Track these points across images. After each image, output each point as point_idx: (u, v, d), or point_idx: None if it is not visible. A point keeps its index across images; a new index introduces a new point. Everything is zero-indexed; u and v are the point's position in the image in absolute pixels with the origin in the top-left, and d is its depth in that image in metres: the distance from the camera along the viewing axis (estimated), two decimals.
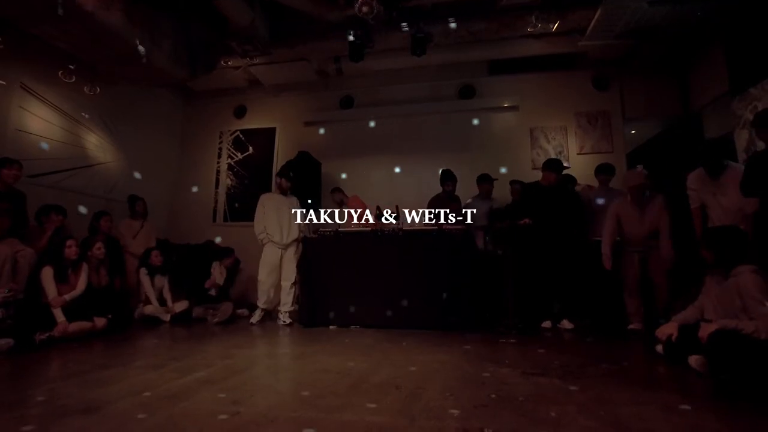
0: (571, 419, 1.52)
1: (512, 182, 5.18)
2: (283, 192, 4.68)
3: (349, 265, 4.13)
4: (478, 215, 4.74)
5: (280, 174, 4.78)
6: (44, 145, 4.74)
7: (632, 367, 2.52)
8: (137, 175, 5.63)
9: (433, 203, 4.87)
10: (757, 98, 3.96)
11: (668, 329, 2.50)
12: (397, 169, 5.98)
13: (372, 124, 6.15)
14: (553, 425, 1.47)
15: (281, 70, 6.05)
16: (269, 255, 4.47)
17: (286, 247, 4.51)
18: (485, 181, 5.00)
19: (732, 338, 2.13)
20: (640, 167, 3.81)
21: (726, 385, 2.02)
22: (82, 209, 4.59)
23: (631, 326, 3.72)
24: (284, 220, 4.53)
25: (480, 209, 4.81)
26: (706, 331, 2.24)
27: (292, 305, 4.43)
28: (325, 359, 2.62)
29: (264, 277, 4.44)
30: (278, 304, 4.50)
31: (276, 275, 4.48)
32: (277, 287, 4.51)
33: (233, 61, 5.69)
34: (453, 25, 4.87)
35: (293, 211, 4.61)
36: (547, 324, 3.89)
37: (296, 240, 4.56)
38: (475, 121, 5.98)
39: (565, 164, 4.54)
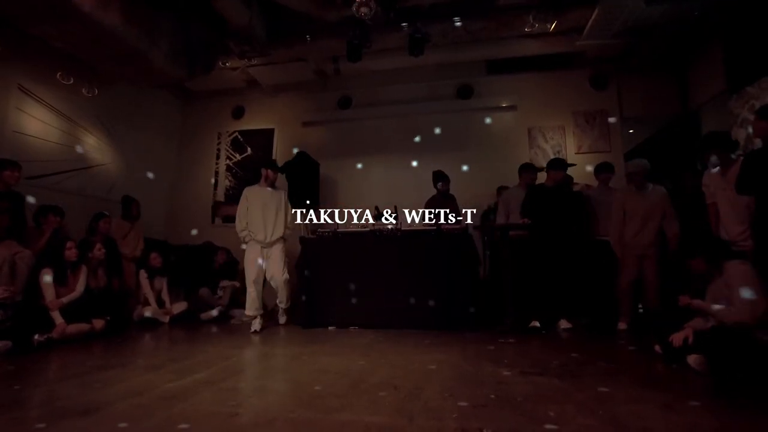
0: (570, 418, 1.52)
1: (500, 188, 5.17)
2: (270, 184, 4.32)
3: (347, 266, 4.13)
4: (517, 205, 4.32)
5: (265, 164, 4.42)
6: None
7: (630, 366, 2.53)
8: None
9: (430, 205, 4.88)
10: (754, 97, 3.96)
11: (684, 334, 2.43)
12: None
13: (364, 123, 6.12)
14: (552, 424, 1.47)
15: (279, 71, 6.05)
16: (252, 255, 4.11)
17: (270, 245, 4.18)
18: (528, 170, 4.59)
19: (729, 335, 2.14)
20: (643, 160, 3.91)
21: (724, 383, 2.02)
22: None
23: (620, 326, 3.79)
24: (269, 216, 4.19)
25: (520, 199, 4.34)
26: (680, 336, 2.36)
27: (287, 302, 4.29)
28: (324, 360, 2.62)
29: (251, 281, 4.06)
30: (274, 302, 4.40)
31: (262, 277, 4.16)
32: (267, 288, 4.28)
33: (231, 62, 5.69)
34: (458, 23, 4.83)
35: (281, 205, 4.29)
36: (535, 324, 3.83)
37: (281, 238, 4.26)
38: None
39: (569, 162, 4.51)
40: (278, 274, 4.17)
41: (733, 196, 3.08)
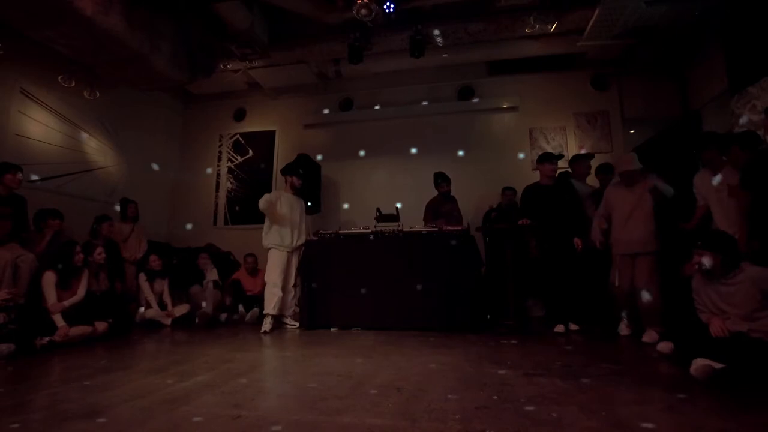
0: (573, 420, 1.52)
1: (505, 189, 5.19)
2: (296, 191, 4.48)
3: (349, 267, 4.13)
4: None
5: (290, 172, 4.51)
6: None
7: (633, 367, 2.51)
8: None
9: (431, 206, 4.87)
10: (755, 97, 3.95)
11: (721, 323, 2.30)
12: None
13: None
14: (554, 426, 1.47)
15: (280, 73, 6.06)
16: (280, 259, 4.20)
17: (293, 250, 4.33)
18: (583, 159, 4.30)
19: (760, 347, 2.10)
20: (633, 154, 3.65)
21: (729, 384, 2.01)
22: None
23: (621, 332, 3.55)
24: (295, 222, 4.34)
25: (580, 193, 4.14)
26: (719, 325, 2.24)
27: (293, 308, 4.39)
28: (326, 361, 2.62)
29: (276, 282, 4.14)
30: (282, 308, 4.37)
31: (283, 279, 4.25)
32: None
33: (232, 65, 5.70)
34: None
35: (303, 213, 4.46)
36: (559, 328, 3.73)
37: (303, 245, 4.40)
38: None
39: (561, 152, 4.52)
40: (292, 281, 4.33)
41: (725, 198, 3.08)
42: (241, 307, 4.96)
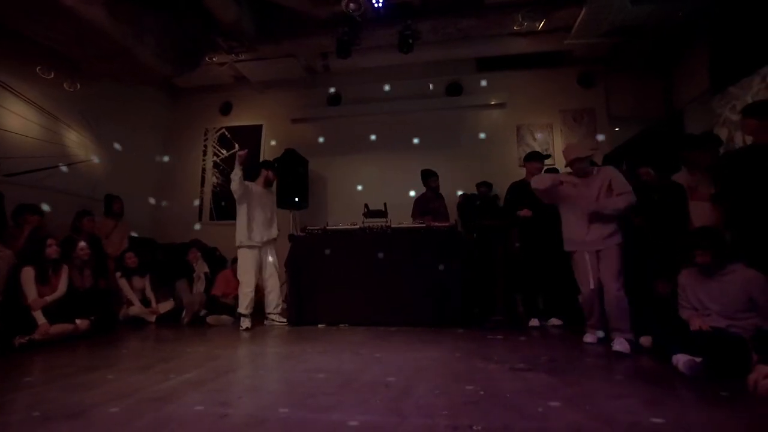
0: (559, 414, 1.54)
1: (479, 184, 5.22)
2: (268, 185, 4.43)
3: (337, 264, 4.12)
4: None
5: (266, 166, 4.46)
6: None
7: (618, 362, 2.55)
8: None
9: (419, 202, 4.88)
10: (735, 97, 4.04)
11: (702, 321, 2.33)
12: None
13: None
14: (540, 420, 1.49)
15: (268, 67, 5.97)
16: (249, 258, 4.14)
17: (263, 245, 4.25)
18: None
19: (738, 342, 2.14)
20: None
21: (712, 379, 2.05)
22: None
23: (586, 339, 3.05)
24: (265, 216, 4.28)
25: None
26: (699, 322, 2.28)
27: (279, 305, 4.32)
28: (314, 358, 2.61)
29: (249, 282, 4.10)
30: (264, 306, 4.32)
31: (256, 277, 4.19)
32: (258, 290, 4.28)
33: (219, 58, 5.60)
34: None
35: (274, 207, 4.42)
36: (534, 322, 3.85)
37: (275, 239, 4.35)
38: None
39: (545, 153, 4.62)
40: (273, 278, 4.25)
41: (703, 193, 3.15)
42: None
